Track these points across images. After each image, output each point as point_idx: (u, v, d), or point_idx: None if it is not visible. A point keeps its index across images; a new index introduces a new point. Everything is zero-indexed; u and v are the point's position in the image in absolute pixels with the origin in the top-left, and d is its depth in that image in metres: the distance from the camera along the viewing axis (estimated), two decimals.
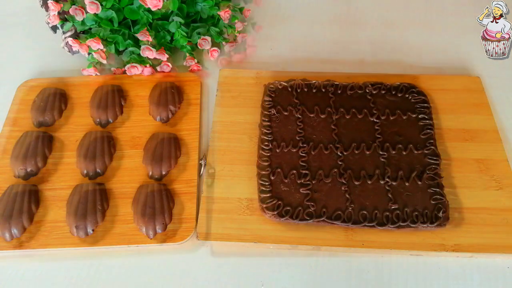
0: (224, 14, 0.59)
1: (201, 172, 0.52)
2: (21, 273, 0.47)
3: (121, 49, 0.59)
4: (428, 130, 0.53)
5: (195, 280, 0.46)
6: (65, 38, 0.59)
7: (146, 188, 0.50)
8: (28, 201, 0.49)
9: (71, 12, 0.55)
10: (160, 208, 0.48)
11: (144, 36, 0.56)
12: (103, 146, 0.53)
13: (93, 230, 0.48)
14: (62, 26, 0.59)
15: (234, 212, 0.49)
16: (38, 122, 0.56)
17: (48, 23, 0.59)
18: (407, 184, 0.49)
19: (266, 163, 0.51)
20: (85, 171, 0.52)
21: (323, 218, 0.47)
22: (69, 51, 0.60)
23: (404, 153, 0.51)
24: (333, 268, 0.47)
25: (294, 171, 0.50)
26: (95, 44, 0.56)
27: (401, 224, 0.46)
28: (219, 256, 0.47)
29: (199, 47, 0.60)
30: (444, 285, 0.46)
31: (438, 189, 0.49)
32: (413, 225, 0.46)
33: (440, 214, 0.47)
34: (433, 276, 0.46)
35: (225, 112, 0.57)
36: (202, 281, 0.46)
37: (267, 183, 0.50)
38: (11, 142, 0.54)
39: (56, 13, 0.56)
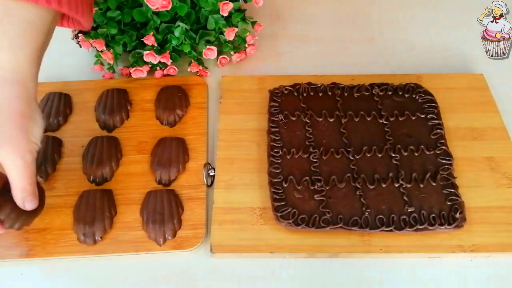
0: (228, 32, 0.58)
1: (209, 182, 0.51)
2: (20, 273, 0.46)
3: (129, 49, 0.58)
4: (438, 130, 0.53)
5: (194, 279, 0.46)
6: (74, 30, 0.59)
7: (154, 194, 0.49)
8: None
9: None
10: (169, 215, 0.47)
11: (150, 41, 0.56)
12: (110, 152, 0.52)
13: (101, 238, 0.47)
14: None
15: (247, 222, 0.48)
16: None
17: None
18: (421, 186, 0.49)
19: (278, 171, 0.50)
20: (92, 177, 0.51)
21: (340, 225, 0.46)
22: (77, 43, 0.60)
23: (416, 154, 0.51)
24: (335, 268, 0.46)
25: (307, 178, 0.49)
26: (99, 46, 0.56)
27: (419, 227, 0.46)
28: (219, 256, 0.46)
29: (204, 57, 0.59)
30: (464, 285, 0.45)
31: (453, 190, 0.48)
32: (431, 228, 0.46)
33: (457, 215, 0.46)
34: (453, 278, 0.46)
35: (230, 120, 0.56)
36: (202, 281, 0.45)
37: (280, 191, 0.48)
38: None
39: None
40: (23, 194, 0.41)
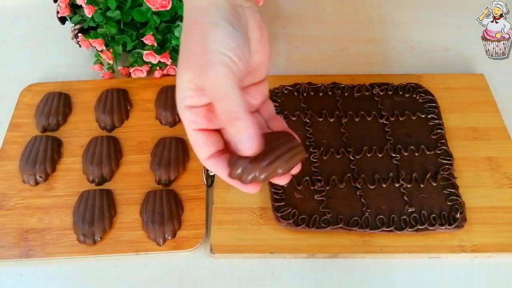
0: None
1: (209, 182, 0.51)
2: (20, 274, 0.46)
3: (128, 49, 0.58)
4: (439, 130, 0.53)
5: (194, 280, 0.46)
6: (74, 30, 0.59)
7: (154, 194, 0.49)
8: None
9: (78, 1, 0.55)
10: (169, 215, 0.47)
11: (149, 41, 0.56)
12: (109, 152, 0.52)
13: (101, 238, 0.47)
14: (71, 19, 0.59)
15: (247, 222, 0.48)
16: (43, 127, 0.56)
17: (58, 12, 0.58)
18: (422, 186, 0.49)
19: None
20: (91, 177, 0.51)
21: (340, 225, 0.46)
22: (77, 43, 0.60)
23: (417, 154, 0.51)
24: (336, 268, 0.46)
25: (307, 178, 0.49)
26: (99, 45, 0.56)
27: (419, 227, 0.46)
28: (219, 256, 0.46)
29: None
30: (464, 285, 0.45)
31: (453, 190, 0.48)
32: (432, 228, 0.46)
33: (458, 215, 0.46)
34: (453, 278, 0.45)
35: None
36: (201, 281, 0.45)
37: (280, 191, 0.48)
38: (15, 148, 0.54)
39: (65, 4, 0.56)
40: (227, 123, 0.31)
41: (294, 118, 0.54)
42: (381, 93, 0.56)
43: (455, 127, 0.55)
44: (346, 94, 0.56)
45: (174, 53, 0.59)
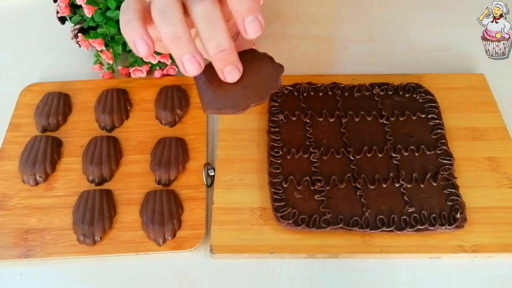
0: None
1: (209, 182, 0.51)
2: (20, 274, 0.46)
3: (128, 49, 0.58)
4: (439, 130, 0.53)
5: (194, 280, 0.46)
6: (74, 29, 0.59)
7: (154, 194, 0.49)
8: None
9: (78, 1, 0.55)
10: (169, 215, 0.47)
11: None
12: (109, 152, 0.52)
13: (100, 238, 0.47)
14: (71, 19, 0.59)
15: (247, 222, 0.48)
16: (42, 127, 0.56)
17: (58, 12, 0.58)
18: (422, 186, 0.49)
19: (278, 171, 0.50)
20: (91, 177, 0.51)
21: (340, 225, 0.46)
22: (77, 43, 0.60)
23: (417, 154, 0.51)
24: (336, 269, 0.46)
25: (307, 178, 0.49)
26: (98, 45, 0.56)
27: (419, 227, 0.46)
28: (219, 256, 0.46)
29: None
30: (465, 286, 0.45)
31: (453, 190, 0.48)
32: (432, 228, 0.46)
33: (458, 215, 0.46)
34: (454, 278, 0.45)
35: (230, 120, 0.56)
36: (201, 281, 0.45)
37: (280, 191, 0.48)
38: (15, 148, 0.54)
39: (65, 4, 0.56)
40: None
41: (294, 118, 0.54)
42: (381, 93, 0.56)
43: (456, 127, 0.54)
44: (346, 94, 0.56)
45: None
